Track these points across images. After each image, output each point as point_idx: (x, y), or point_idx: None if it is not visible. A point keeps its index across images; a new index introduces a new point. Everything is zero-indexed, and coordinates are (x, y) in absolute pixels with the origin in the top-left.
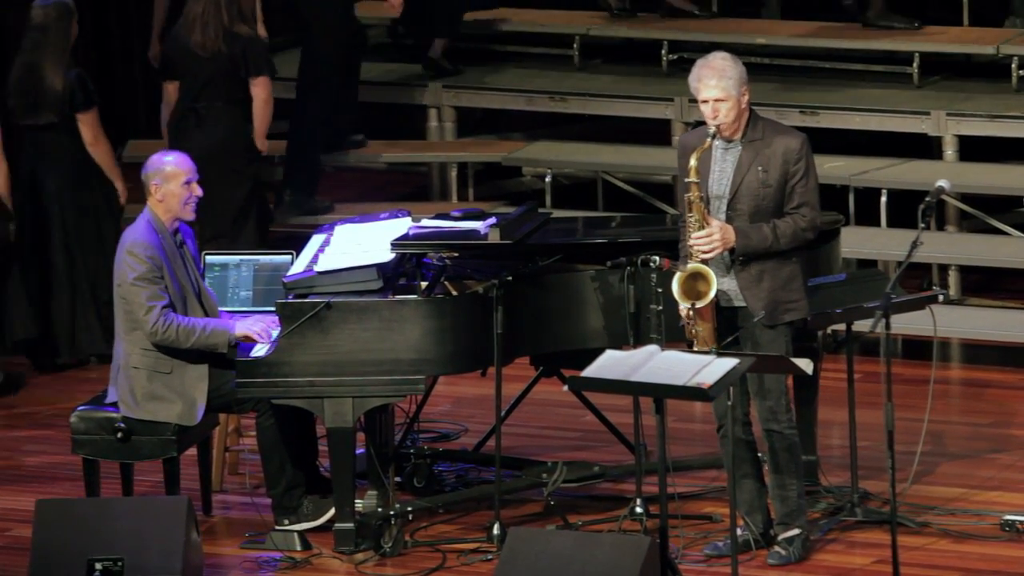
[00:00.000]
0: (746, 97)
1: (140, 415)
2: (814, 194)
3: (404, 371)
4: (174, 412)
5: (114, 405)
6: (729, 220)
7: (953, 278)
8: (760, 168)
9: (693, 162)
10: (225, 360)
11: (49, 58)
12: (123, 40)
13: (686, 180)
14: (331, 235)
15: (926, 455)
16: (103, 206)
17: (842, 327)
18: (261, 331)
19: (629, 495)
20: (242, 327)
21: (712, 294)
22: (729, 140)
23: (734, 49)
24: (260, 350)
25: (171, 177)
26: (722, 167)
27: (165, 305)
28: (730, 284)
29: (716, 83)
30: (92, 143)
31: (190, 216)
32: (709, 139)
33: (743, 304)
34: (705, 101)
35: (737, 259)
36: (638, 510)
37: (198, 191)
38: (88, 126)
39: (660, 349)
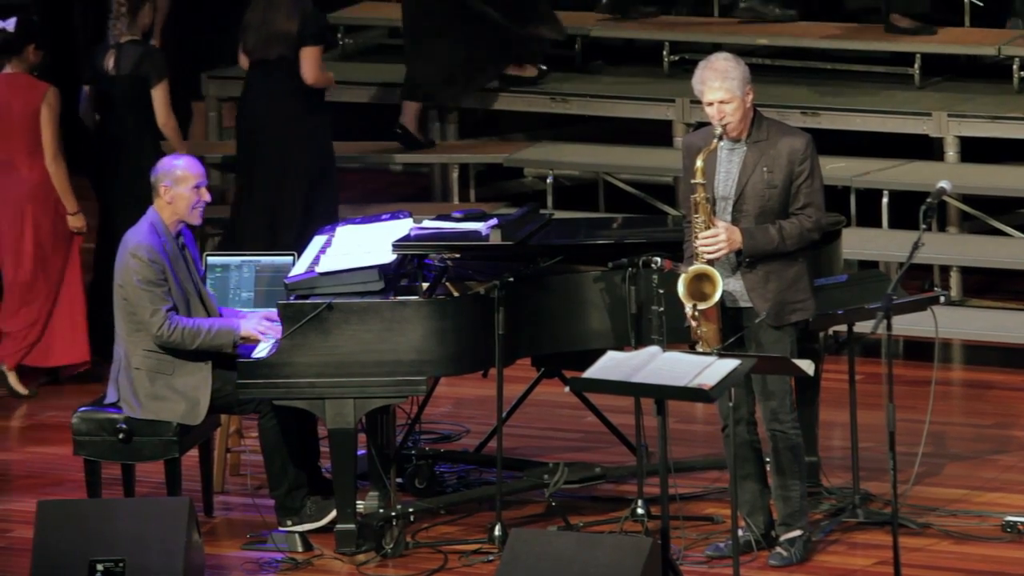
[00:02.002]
0: (750, 97)
1: (144, 415)
2: (819, 195)
3: (405, 372)
4: (178, 411)
5: (115, 406)
6: (735, 221)
7: (954, 279)
8: (765, 169)
9: (699, 163)
10: (227, 361)
11: None
12: None
13: (692, 181)
14: (333, 236)
15: (928, 456)
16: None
17: (843, 328)
18: (266, 330)
19: (630, 496)
20: (247, 327)
21: (717, 295)
22: (734, 141)
23: (735, 50)
24: (261, 351)
25: (181, 180)
26: (727, 168)
27: (169, 308)
28: (736, 285)
29: (720, 84)
30: (311, 79)
31: (196, 221)
32: (715, 140)
33: (749, 304)
34: (710, 103)
35: (743, 260)
36: (639, 511)
37: (207, 196)
38: (308, 61)
39: (661, 350)
